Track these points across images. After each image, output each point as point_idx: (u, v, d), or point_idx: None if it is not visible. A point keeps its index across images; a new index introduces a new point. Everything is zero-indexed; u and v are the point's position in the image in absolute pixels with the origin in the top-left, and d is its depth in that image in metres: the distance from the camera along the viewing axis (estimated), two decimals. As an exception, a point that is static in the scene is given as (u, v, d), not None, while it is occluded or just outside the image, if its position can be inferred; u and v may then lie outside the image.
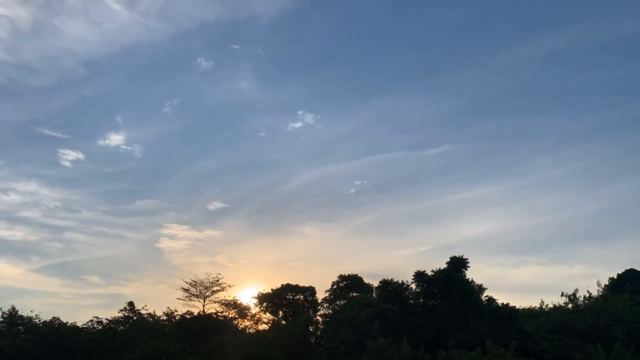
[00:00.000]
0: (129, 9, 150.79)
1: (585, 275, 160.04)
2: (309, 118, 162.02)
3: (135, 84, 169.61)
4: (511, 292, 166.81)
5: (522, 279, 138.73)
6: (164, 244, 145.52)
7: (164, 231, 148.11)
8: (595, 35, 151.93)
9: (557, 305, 76.72)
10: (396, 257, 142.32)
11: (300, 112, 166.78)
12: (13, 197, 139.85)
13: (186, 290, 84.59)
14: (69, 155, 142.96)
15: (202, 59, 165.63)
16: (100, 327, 77.71)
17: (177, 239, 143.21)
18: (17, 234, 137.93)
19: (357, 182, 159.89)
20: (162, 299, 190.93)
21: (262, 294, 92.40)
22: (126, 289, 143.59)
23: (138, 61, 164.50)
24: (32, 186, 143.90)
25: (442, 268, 72.94)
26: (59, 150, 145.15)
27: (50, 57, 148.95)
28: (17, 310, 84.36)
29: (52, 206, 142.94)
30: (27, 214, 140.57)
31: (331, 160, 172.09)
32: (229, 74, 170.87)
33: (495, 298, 72.01)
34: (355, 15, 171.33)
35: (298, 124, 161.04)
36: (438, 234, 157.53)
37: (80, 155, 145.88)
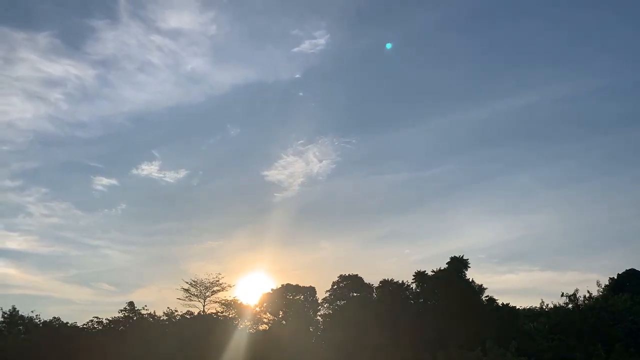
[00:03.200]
0: (173, 75, 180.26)
1: (579, 281, 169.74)
2: (325, 145, 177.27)
3: (173, 132, 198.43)
4: (501, 294, 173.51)
5: (512, 283, 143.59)
6: (182, 254, 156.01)
7: (184, 246, 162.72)
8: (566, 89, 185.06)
9: (557, 305, 76.57)
10: (391, 264, 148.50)
11: (317, 138, 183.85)
12: (53, 220, 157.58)
13: (186, 290, 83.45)
14: (103, 181, 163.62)
15: (233, 110, 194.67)
16: (100, 327, 77.38)
17: (194, 249, 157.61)
18: (57, 249, 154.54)
19: (371, 200, 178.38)
20: (174, 303, 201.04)
21: (262, 294, 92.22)
22: (145, 296, 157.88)
23: (178, 118, 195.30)
24: (69, 209, 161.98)
25: (442, 268, 72.90)
26: (93, 177, 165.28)
27: (102, 116, 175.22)
28: (18, 311, 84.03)
29: (84, 225, 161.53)
30: (65, 233, 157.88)
31: (343, 178, 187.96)
32: (255, 118, 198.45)
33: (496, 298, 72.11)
34: (365, 74, 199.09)
35: (314, 150, 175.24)
36: (435, 243, 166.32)
37: (114, 182, 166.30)
